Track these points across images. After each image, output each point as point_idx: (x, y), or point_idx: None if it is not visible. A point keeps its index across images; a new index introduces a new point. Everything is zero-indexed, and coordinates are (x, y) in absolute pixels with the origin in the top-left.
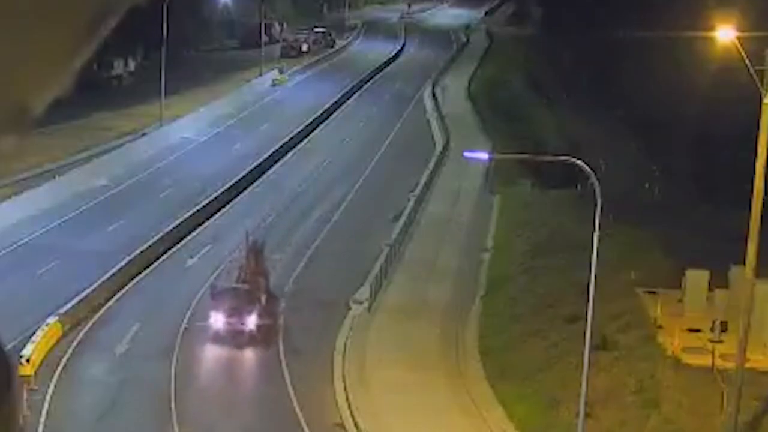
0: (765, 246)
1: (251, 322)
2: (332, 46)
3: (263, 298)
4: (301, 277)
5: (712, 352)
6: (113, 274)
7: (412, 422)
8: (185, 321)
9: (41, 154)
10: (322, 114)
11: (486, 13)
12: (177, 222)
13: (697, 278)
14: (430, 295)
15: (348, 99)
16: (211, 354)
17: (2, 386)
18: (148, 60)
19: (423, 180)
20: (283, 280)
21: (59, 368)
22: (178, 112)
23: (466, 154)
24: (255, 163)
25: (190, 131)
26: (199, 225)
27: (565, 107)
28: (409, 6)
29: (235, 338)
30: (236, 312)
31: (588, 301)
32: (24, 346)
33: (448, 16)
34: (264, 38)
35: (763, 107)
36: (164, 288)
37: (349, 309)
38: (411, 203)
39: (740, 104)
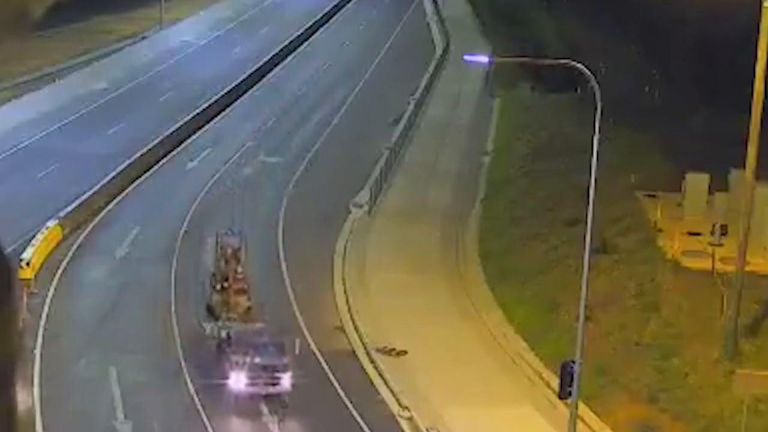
0: (765, 149)
1: (286, 381)
2: None
3: (295, 346)
4: (301, 181)
5: (712, 256)
6: (113, 178)
7: (411, 324)
8: (185, 224)
9: (41, 57)
10: (322, 17)
11: None
12: (177, 125)
13: (697, 181)
14: (430, 198)
15: (348, 2)
16: None
17: (2, 289)
18: None
19: (423, 83)
20: (283, 184)
21: (59, 271)
22: (178, 15)
23: (466, 57)
24: (255, 67)
25: (190, 34)
26: (199, 128)
27: (565, 10)
28: None
29: (265, 403)
30: (264, 370)
31: (588, 204)
32: (24, 249)
33: None
34: None
35: (763, 11)
36: (164, 191)
37: (349, 212)
38: (411, 107)
39: (740, 8)
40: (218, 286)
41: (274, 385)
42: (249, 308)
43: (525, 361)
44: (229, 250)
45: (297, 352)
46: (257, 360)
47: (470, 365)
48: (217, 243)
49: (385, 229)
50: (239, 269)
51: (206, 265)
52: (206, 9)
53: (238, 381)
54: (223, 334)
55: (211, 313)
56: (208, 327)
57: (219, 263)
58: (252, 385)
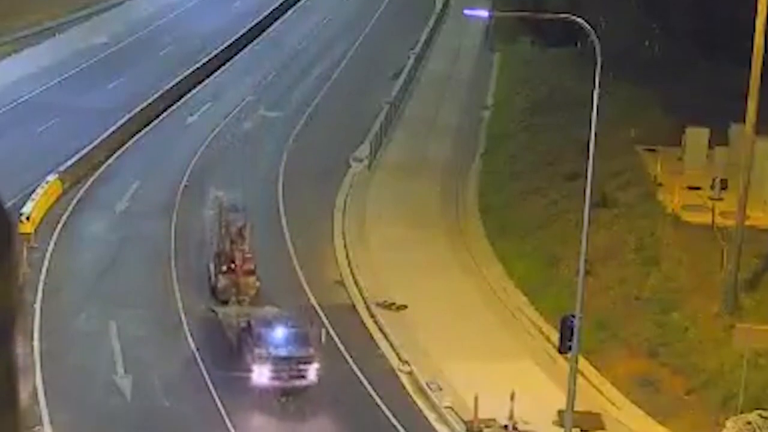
0: (765, 104)
1: (311, 373)
2: None
3: (320, 335)
4: (300, 135)
5: (712, 210)
6: (113, 132)
7: (411, 279)
8: (185, 179)
9: (41, 11)
10: None
11: None
12: (177, 80)
13: (697, 136)
14: (430, 152)
15: None
16: None
17: (2, 243)
18: None
19: (423, 38)
20: (283, 138)
21: (59, 226)
22: None
23: (466, 11)
24: (255, 21)
25: None
26: (199, 83)
27: None
28: None
29: (290, 396)
30: (288, 362)
31: (588, 158)
32: (24, 203)
33: None
34: None
35: None
36: (164, 146)
37: (349, 167)
38: (411, 61)
39: None
40: (225, 268)
41: (299, 377)
42: (258, 288)
43: (525, 315)
44: (234, 229)
45: (322, 341)
46: (281, 352)
47: (470, 319)
48: (220, 221)
49: (385, 183)
50: (246, 248)
51: (206, 223)
52: None
53: (261, 374)
54: (243, 323)
55: (219, 296)
56: (221, 313)
57: (224, 243)
58: (276, 378)
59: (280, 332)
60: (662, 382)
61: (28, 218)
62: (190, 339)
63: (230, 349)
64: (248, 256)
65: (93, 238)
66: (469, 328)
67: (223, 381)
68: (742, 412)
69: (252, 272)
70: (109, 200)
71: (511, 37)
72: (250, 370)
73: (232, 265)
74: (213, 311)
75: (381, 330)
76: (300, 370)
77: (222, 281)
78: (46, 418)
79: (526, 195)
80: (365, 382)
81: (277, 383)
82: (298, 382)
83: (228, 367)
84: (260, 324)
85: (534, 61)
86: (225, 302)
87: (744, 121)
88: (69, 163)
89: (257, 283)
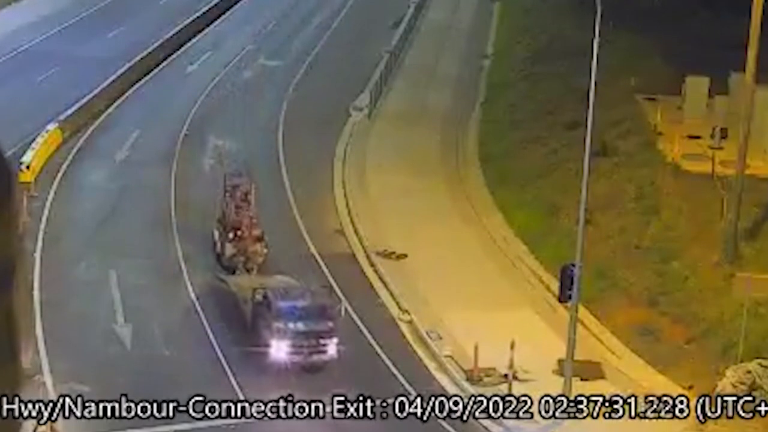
0: (765, 53)
1: (331, 348)
2: None
3: (340, 309)
4: (301, 84)
5: (712, 159)
6: (113, 81)
7: (411, 227)
8: (185, 128)
9: None
10: None
11: None
12: (177, 29)
13: (697, 84)
14: (430, 101)
15: None
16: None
17: (2, 193)
18: None
19: None
20: (283, 87)
21: (59, 175)
22: None
23: None
24: None
25: None
26: (200, 31)
27: None
28: None
29: (308, 370)
30: (308, 337)
31: (588, 107)
32: (24, 152)
33: None
34: None
35: None
36: (164, 95)
37: (349, 115)
38: (411, 10)
39: None
40: (232, 235)
41: (319, 353)
42: (266, 255)
43: (525, 264)
44: (239, 194)
45: (341, 315)
46: (300, 326)
47: (470, 269)
48: (224, 187)
49: (385, 132)
50: (251, 214)
51: (207, 173)
52: None
53: (279, 349)
54: (258, 297)
55: (226, 263)
56: (233, 284)
57: (229, 209)
58: (296, 354)
59: (299, 305)
60: (662, 332)
61: (28, 167)
62: (189, 288)
63: (243, 322)
64: (255, 222)
65: (93, 187)
66: (469, 277)
67: (231, 345)
68: (742, 361)
69: (260, 239)
70: (109, 149)
71: None
72: (267, 345)
73: (239, 233)
74: (223, 281)
75: (381, 279)
76: (320, 345)
77: (229, 249)
78: (45, 367)
79: (526, 144)
80: (365, 332)
81: (296, 359)
82: (317, 357)
83: (241, 339)
84: (278, 297)
85: (534, 10)
86: (232, 270)
87: (744, 70)
88: (69, 112)
89: (265, 250)
